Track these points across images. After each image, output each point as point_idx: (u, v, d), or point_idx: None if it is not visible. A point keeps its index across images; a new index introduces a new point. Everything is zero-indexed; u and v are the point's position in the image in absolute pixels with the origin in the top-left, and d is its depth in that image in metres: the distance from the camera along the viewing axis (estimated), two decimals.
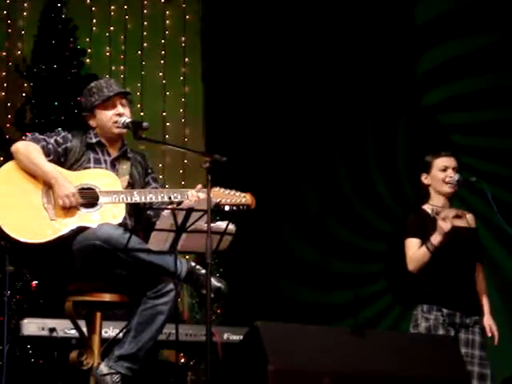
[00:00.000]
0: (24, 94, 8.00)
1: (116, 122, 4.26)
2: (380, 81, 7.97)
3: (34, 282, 6.86)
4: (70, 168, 4.21)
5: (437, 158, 4.97)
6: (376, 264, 7.83)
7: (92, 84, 4.39)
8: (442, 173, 4.94)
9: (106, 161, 4.30)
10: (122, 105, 4.31)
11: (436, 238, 4.76)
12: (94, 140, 4.31)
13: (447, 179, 4.91)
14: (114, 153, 4.34)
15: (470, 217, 5.01)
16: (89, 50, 8.18)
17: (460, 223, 4.94)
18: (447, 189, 4.92)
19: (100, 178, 4.19)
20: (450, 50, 7.68)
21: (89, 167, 4.24)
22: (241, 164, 7.71)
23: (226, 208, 4.21)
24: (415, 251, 4.84)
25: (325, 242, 8.00)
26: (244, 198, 4.25)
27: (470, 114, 7.61)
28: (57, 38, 7.77)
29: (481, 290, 4.97)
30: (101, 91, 4.29)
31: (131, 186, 4.27)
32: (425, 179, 5.01)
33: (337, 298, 7.83)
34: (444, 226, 4.73)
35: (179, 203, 4.10)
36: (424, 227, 4.84)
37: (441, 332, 4.75)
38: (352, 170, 8.06)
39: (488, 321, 4.90)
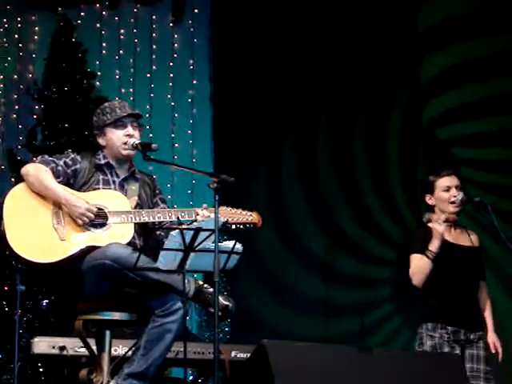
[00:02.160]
0: (35, 116, 8.07)
1: (125, 144, 4.32)
2: (388, 84, 8.05)
3: (45, 301, 6.90)
4: (80, 189, 4.26)
5: (439, 179, 5.01)
6: (382, 289, 7.86)
7: (106, 104, 4.45)
8: (445, 193, 4.98)
9: (114, 182, 4.35)
10: (133, 127, 4.36)
11: (434, 244, 4.82)
12: (102, 161, 4.36)
13: (451, 199, 4.96)
14: (123, 174, 4.39)
15: (473, 237, 5.06)
16: (99, 73, 8.26)
17: (464, 242, 5.00)
18: (452, 208, 4.97)
19: (109, 198, 4.24)
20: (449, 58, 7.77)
21: (98, 188, 4.28)
22: (249, 184, 7.79)
23: (233, 226, 4.26)
24: (417, 263, 4.89)
25: (330, 275, 8.03)
26: (251, 217, 4.30)
27: (468, 125, 7.67)
28: (67, 61, 7.86)
29: (484, 308, 5.00)
30: (114, 111, 4.35)
31: (139, 206, 4.32)
32: (429, 200, 5.04)
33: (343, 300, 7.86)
34: (438, 228, 4.80)
35: (191, 222, 4.16)
36: (427, 243, 4.88)
37: (446, 349, 4.77)
38: (375, 183, 8.11)
39: (491, 338, 4.94)
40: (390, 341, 7.78)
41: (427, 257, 4.83)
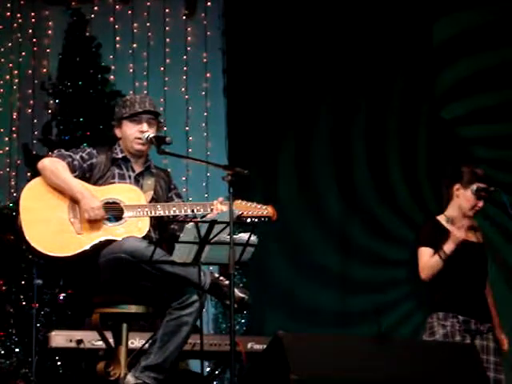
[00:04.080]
0: (50, 111, 8.11)
1: (138, 139, 4.33)
2: (404, 92, 8.03)
3: (62, 295, 6.95)
4: (95, 183, 4.28)
5: (479, 183, 4.92)
6: (398, 270, 7.85)
7: (127, 96, 4.50)
8: (474, 200, 4.95)
9: (130, 176, 4.36)
10: (149, 124, 4.34)
11: (449, 247, 4.79)
12: (120, 155, 4.38)
13: (476, 207, 4.95)
14: (138, 168, 4.40)
15: (479, 234, 5.07)
16: (112, 67, 8.28)
17: (472, 238, 5.00)
18: (471, 214, 4.96)
19: (125, 192, 4.26)
20: (472, 65, 7.74)
21: (113, 183, 4.30)
22: (263, 176, 7.80)
23: (248, 220, 4.27)
24: (428, 259, 4.88)
25: (346, 249, 8.03)
26: (266, 211, 4.30)
27: (493, 127, 7.65)
28: (81, 56, 7.89)
29: (491, 304, 5.02)
30: (133, 105, 4.35)
31: (155, 201, 4.33)
32: (457, 190, 4.98)
33: (358, 305, 7.85)
34: (458, 234, 4.77)
35: (203, 216, 4.18)
36: (437, 237, 4.87)
37: (458, 339, 4.78)
38: (375, 177, 8.11)
39: (500, 335, 4.96)
40: (402, 322, 7.77)
41: (440, 256, 4.83)
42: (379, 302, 7.64)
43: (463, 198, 4.96)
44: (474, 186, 4.90)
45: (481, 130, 7.74)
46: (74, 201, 4.18)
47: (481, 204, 4.94)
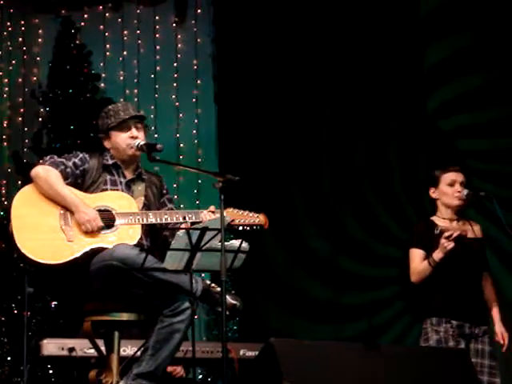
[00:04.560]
0: (40, 119, 8.11)
1: (130, 145, 4.35)
2: (399, 96, 8.08)
3: (53, 303, 6.93)
4: (87, 189, 4.29)
5: (445, 173, 5.05)
6: (390, 269, 7.86)
7: (109, 107, 4.47)
8: (449, 187, 5.01)
9: (121, 182, 4.37)
10: (137, 128, 4.38)
11: (438, 255, 4.84)
12: (110, 162, 4.38)
13: (456, 194, 4.99)
14: (129, 175, 4.41)
15: (476, 228, 5.08)
16: (103, 75, 8.28)
17: (468, 233, 5.01)
18: (455, 202, 4.99)
19: (116, 199, 4.27)
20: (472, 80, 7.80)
21: (106, 189, 4.31)
22: (254, 183, 7.81)
23: (240, 228, 4.27)
24: (418, 264, 4.92)
25: (339, 241, 8.03)
26: (257, 219, 4.31)
27: (486, 141, 7.69)
28: (71, 64, 7.90)
29: (489, 299, 5.02)
30: (117, 114, 4.37)
31: (146, 207, 4.35)
32: (433, 193, 5.09)
33: (350, 301, 7.87)
34: (447, 244, 4.80)
35: (194, 223, 4.18)
36: (430, 238, 4.91)
37: (451, 344, 4.80)
38: (375, 182, 8.12)
39: (500, 328, 4.97)
40: (391, 323, 7.80)
41: (429, 263, 4.87)
42: (373, 299, 7.68)
43: (441, 195, 5.04)
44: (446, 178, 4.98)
45: (474, 144, 7.79)
46: (66, 208, 4.18)
47: (457, 187, 4.97)
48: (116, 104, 4.52)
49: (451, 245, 4.80)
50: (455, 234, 4.84)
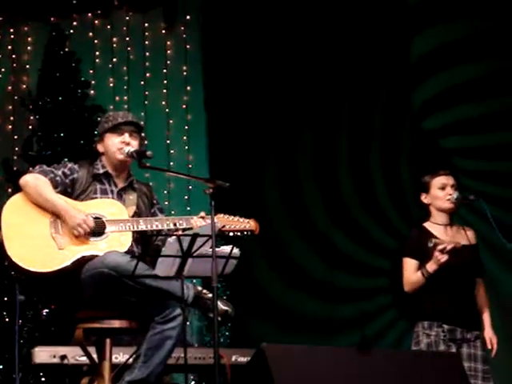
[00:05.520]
0: (30, 127, 8.08)
1: (120, 149, 4.34)
2: (385, 107, 8.09)
3: (45, 311, 6.92)
4: (77, 198, 4.28)
5: (435, 177, 5.06)
6: (382, 278, 7.88)
7: (110, 113, 4.53)
8: (440, 191, 5.03)
9: (112, 191, 4.37)
10: (132, 135, 4.37)
11: (431, 267, 4.84)
12: (101, 171, 4.38)
13: (447, 197, 5.00)
14: (121, 183, 4.41)
15: (470, 233, 5.09)
16: (92, 82, 8.27)
17: (460, 240, 5.02)
18: (447, 205, 5.01)
19: (107, 207, 4.27)
20: (451, 77, 7.80)
21: (96, 198, 4.31)
22: (244, 189, 7.81)
23: (231, 234, 4.28)
24: (411, 275, 4.93)
25: (332, 258, 8.04)
26: (248, 224, 4.32)
27: (471, 138, 7.70)
28: (61, 71, 7.87)
29: (481, 305, 5.03)
30: (115, 119, 4.39)
31: (137, 216, 4.34)
32: (424, 199, 5.10)
33: (343, 313, 7.88)
34: (440, 257, 4.81)
35: (185, 230, 4.18)
36: (423, 246, 4.91)
37: (442, 348, 4.80)
38: (358, 187, 8.13)
39: (489, 333, 4.98)
40: (386, 330, 7.80)
41: (422, 274, 4.88)
42: (364, 310, 7.68)
43: (433, 199, 5.05)
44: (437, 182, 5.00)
45: (460, 141, 7.79)
46: (56, 216, 4.18)
47: (448, 190, 4.99)
48: (118, 111, 4.56)
49: (445, 258, 4.80)
50: (449, 247, 4.83)
